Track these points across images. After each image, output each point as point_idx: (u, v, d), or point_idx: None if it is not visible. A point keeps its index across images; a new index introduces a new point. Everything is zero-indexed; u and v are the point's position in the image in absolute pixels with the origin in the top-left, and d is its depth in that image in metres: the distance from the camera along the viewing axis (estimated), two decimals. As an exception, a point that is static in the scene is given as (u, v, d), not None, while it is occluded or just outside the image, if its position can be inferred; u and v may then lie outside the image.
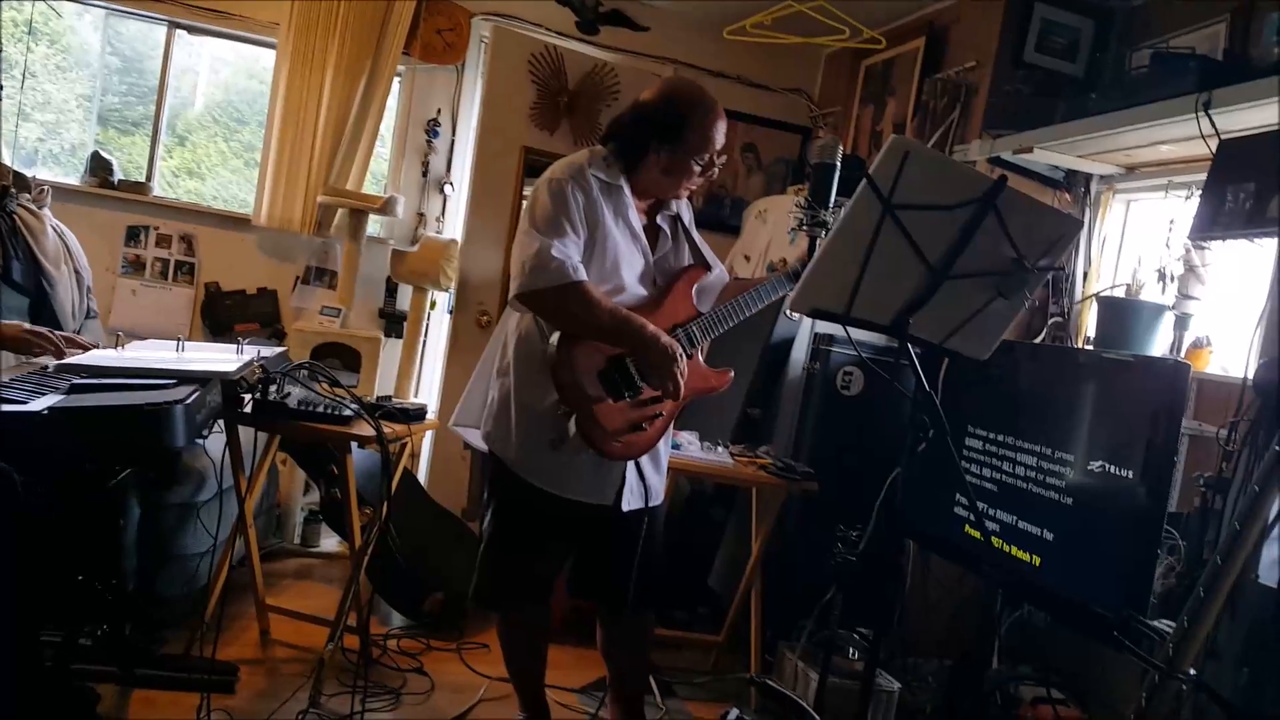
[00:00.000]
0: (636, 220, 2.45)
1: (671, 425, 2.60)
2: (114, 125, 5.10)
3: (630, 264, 2.43)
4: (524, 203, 4.57)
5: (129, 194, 4.69)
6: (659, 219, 2.54)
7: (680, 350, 2.35)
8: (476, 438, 2.58)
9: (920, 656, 3.63)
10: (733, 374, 2.61)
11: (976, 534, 2.99)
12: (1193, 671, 1.37)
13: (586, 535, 2.56)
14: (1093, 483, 2.62)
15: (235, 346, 2.66)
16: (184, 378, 2.14)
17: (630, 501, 2.49)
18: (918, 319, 2.12)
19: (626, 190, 2.42)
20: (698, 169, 2.42)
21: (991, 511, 2.92)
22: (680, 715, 3.17)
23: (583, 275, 2.27)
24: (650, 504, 2.54)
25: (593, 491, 2.44)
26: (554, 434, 2.33)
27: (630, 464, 2.48)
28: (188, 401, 1.95)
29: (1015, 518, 2.83)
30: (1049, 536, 2.71)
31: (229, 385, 2.43)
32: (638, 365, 2.35)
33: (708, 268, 2.60)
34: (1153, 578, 2.48)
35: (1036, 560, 2.72)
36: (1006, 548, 2.84)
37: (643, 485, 2.52)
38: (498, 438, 2.47)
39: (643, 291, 2.46)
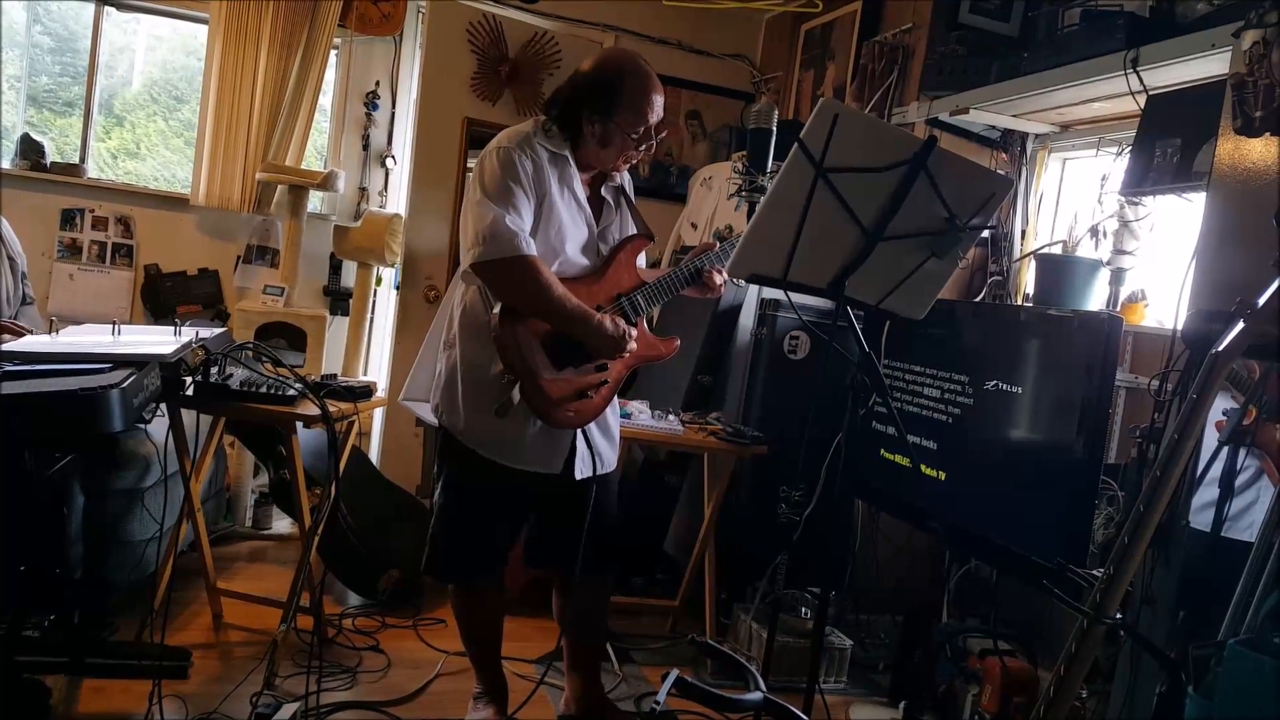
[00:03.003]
0: (581, 190, 2.45)
1: (617, 393, 2.62)
2: (48, 106, 4.97)
3: (574, 234, 2.43)
4: (468, 175, 4.59)
5: (62, 176, 4.58)
6: (603, 190, 2.54)
7: (629, 330, 2.38)
8: (426, 411, 2.58)
9: (872, 613, 3.70)
10: (679, 342, 2.63)
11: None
12: (1119, 615, 1.42)
13: (539, 506, 2.58)
14: (1033, 436, 2.67)
15: (173, 328, 2.62)
16: (120, 361, 2.11)
17: (582, 470, 2.51)
18: (854, 281, 2.14)
19: (572, 160, 2.42)
20: (633, 140, 2.41)
21: (932, 469, 2.97)
22: (637, 681, 3.21)
23: (533, 249, 2.27)
24: (601, 471, 2.56)
25: (541, 461, 2.45)
26: (499, 403, 2.33)
27: (579, 432, 2.49)
28: (123, 385, 1.93)
29: (956, 472, 2.89)
30: (990, 491, 2.76)
31: (169, 368, 2.40)
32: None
33: (651, 237, 2.60)
34: (1090, 527, 2.54)
35: (977, 512, 2.78)
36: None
37: (592, 453, 2.53)
38: (446, 409, 2.47)
39: (585, 261, 2.46)
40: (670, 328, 2.75)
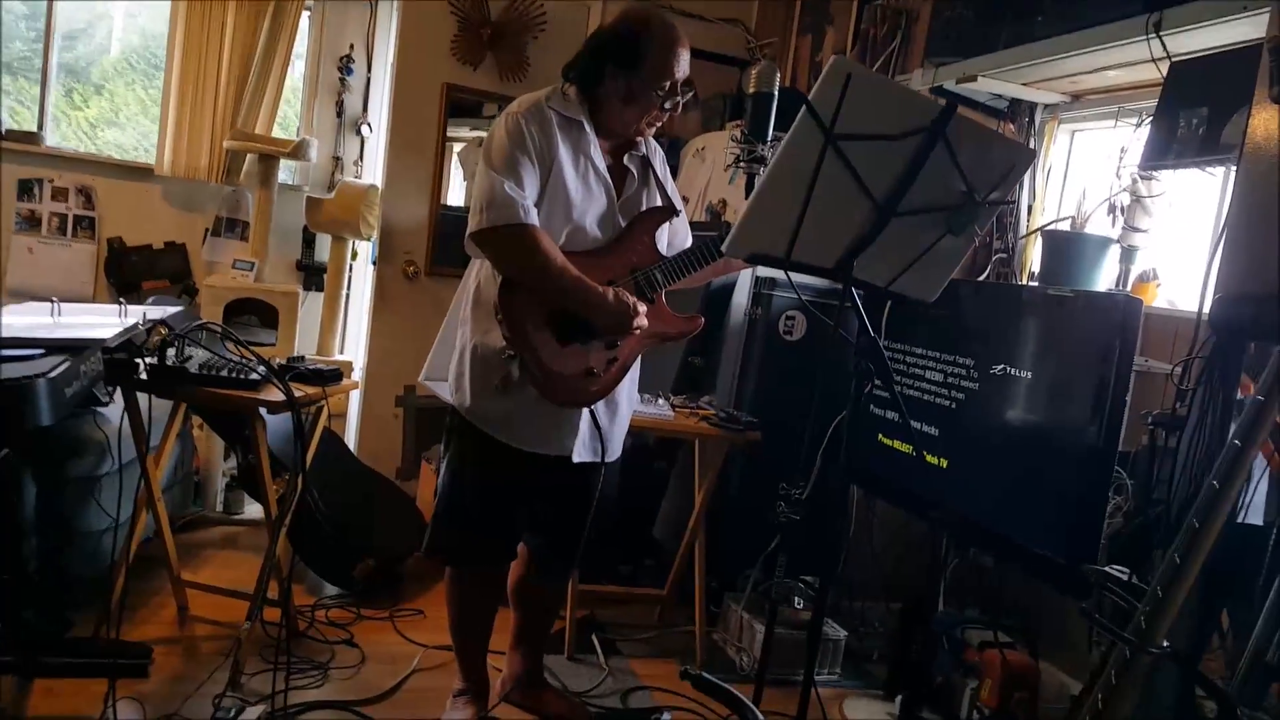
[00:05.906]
0: (600, 158, 2.34)
1: (635, 377, 2.50)
2: (23, 74, 4.72)
3: (589, 205, 2.31)
4: (449, 143, 4.41)
5: (19, 145, 4.37)
6: (626, 160, 2.41)
7: (634, 303, 2.26)
8: (445, 390, 2.48)
9: (866, 601, 3.57)
10: (703, 319, 2.48)
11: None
12: (1166, 644, 1.27)
13: (543, 488, 2.45)
14: (1042, 424, 2.53)
15: (118, 308, 2.43)
16: (54, 347, 1.93)
17: (580, 453, 2.39)
18: (862, 261, 1.98)
19: (588, 126, 2.31)
20: (658, 97, 2.29)
21: (935, 456, 2.83)
22: (624, 675, 3.07)
23: (534, 219, 2.17)
24: (608, 460, 2.44)
25: (545, 443, 2.36)
26: (500, 377, 2.25)
27: (585, 414, 2.38)
28: (52, 375, 1.74)
29: (959, 460, 2.75)
30: (996, 480, 2.63)
31: (120, 349, 2.23)
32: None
33: (675, 212, 2.48)
34: (1103, 521, 2.40)
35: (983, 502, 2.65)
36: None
37: (602, 438, 2.41)
38: (455, 386, 2.41)
39: (598, 233, 2.34)
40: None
